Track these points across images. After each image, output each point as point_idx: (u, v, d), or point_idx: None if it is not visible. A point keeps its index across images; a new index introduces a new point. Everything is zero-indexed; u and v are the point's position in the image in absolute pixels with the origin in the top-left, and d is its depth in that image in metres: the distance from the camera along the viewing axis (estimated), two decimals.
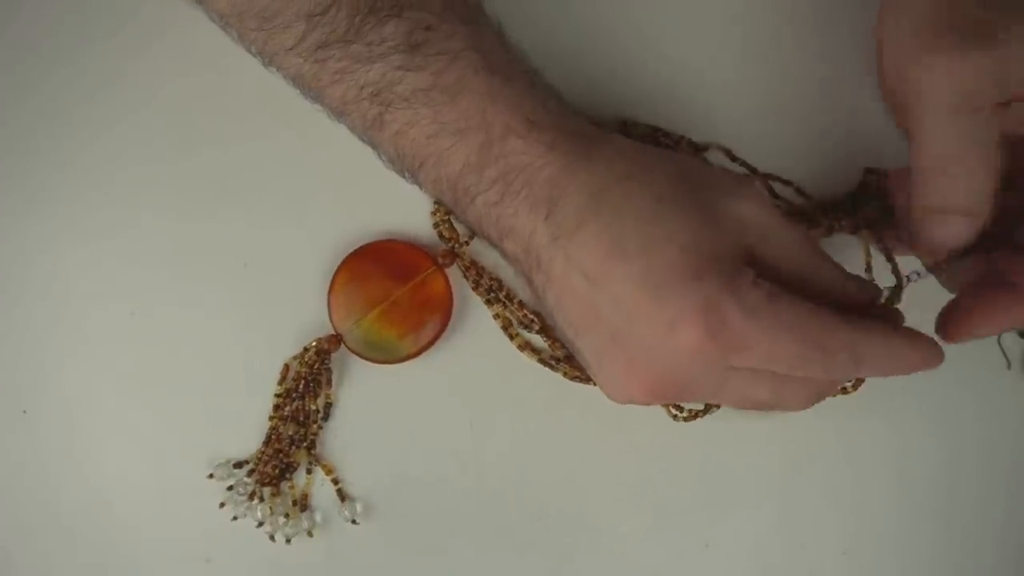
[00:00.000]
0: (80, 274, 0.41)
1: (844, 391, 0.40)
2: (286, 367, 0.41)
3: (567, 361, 0.40)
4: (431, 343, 0.40)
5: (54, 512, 0.41)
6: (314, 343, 0.40)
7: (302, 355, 0.40)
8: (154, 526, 0.41)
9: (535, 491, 0.41)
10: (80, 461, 0.41)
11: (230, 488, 0.40)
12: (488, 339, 0.41)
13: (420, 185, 0.37)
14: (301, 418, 0.41)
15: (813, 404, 0.34)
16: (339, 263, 0.40)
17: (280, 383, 0.41)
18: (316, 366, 0.40)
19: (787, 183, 0.40)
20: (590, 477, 0.41)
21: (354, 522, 0.40)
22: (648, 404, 0.33)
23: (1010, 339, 0.41)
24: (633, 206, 0.32)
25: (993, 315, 0.34)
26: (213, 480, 0.40)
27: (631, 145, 0.34)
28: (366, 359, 0.40)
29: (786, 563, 0.40)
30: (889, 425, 0.41)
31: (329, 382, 0.40)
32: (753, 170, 0.40)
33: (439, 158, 0.34)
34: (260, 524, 0.40)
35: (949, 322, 0.35)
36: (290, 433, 0.40)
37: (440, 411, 0.41)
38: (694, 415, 0.40)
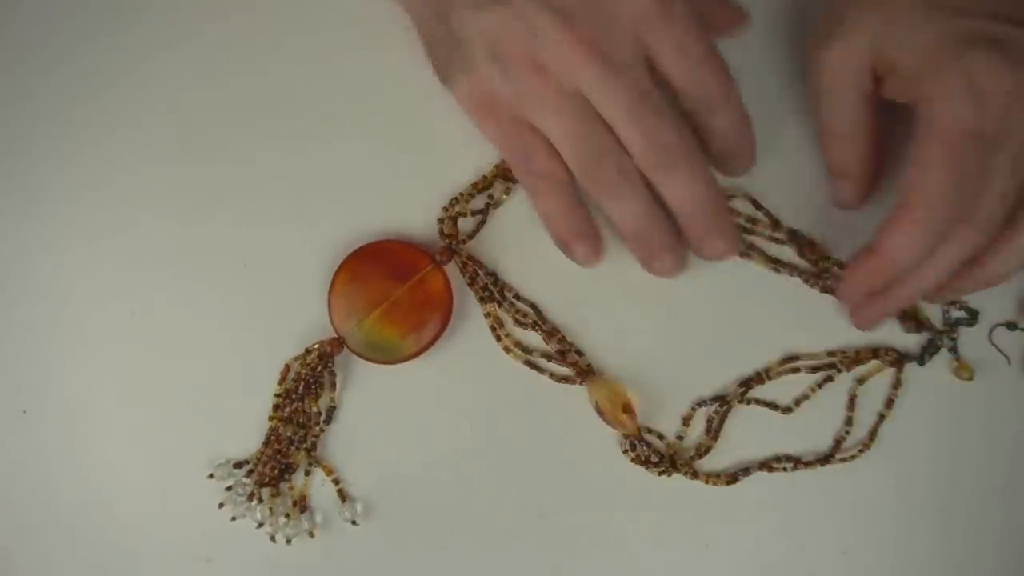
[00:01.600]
0: (80, 274, 0.41)
1: (847, 444, 0.40)
2: (287, 368, 0.41)
3: (560, 357, 0.40)
4: (433, 342, 0.40)
5: (54, 512, 0.41)
6: (316, 346, 0.40)
7: (303, 357, 0.40)
8: (154, 526, 0.41)
9: (535, 491, 0.41)
10: (80, 461, 0.41)
11: (229, 488, 0.40)
12: (488, 338, 0.41)
13: None
14: (300, 420, 0.41)
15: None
16: (338, 265, 0.40)
17: (280, 383, 0.41)
18: (318, 369, 0.40)
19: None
20: (590, 477, 0.41)
21: (354, 523, 0.40)
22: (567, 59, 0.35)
23: (1011, 338, 0.41)
24: None
25: (852, 268, 0.37)
26: (213, 480, 0.40)
27: None
28: (368, 360, 0.40)
29: (786, 563, 0.40)
30: (889, 425, 0.41)
31: (333, 385, 0.40)
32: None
33: None
34: (260, 525, 0.40)
35: (840, 283, 0.39)
36: (289, 434, 0.40)
37: (440, 411, 0.41)
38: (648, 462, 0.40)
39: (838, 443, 0.40)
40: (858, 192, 0.39)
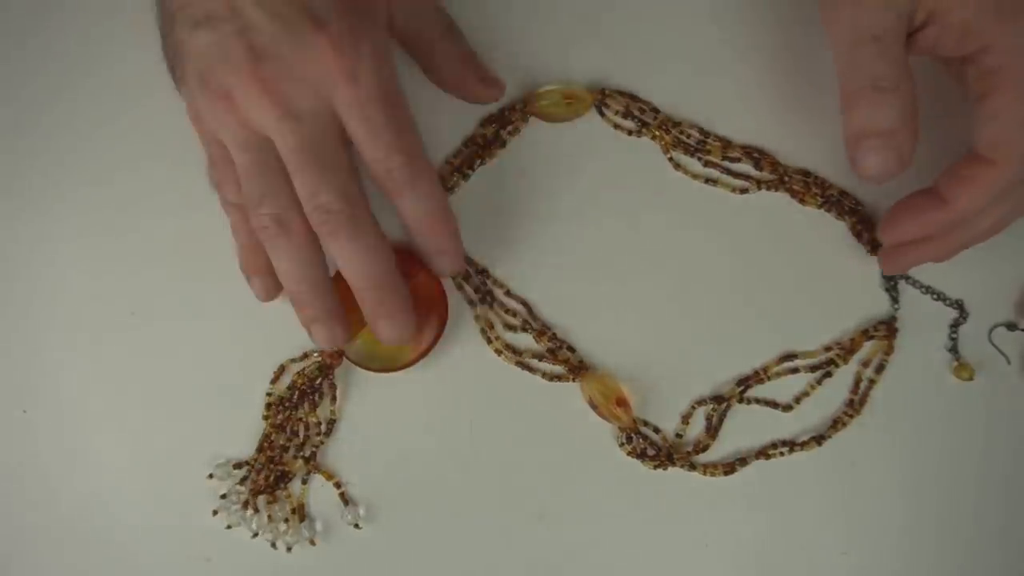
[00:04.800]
0: (80, 274, 0.41)
1: (849, 415, 0.40)
2: (281, 368, 0.40)
3: (550, 355, 0.40)
4: (432, 345, 0.40)
5: (53, 512, 0.41)
6: (316, 355, 0.40)
7: (302, 362, 0.40)
8: (154, 526, 0.41)
9: (535, 491, 0.41)
10: (80, 461, 0.41)
11: (223, 497, 0.40)
12: (479, 342, 0.41)
13: None
14: (294, 427, 0.40)
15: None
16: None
17: (272, 383, 0.40)
18: (318, 381, 0.40)
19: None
20: (589, 476, 0.41)
21: (357, 526, 0.40)
22: (241, 97, 0.35)
23: (1010, 338, 0.41)
24: None
25: (909, 213, 0.37)
26: (213, 480, 0.40)
27: None
28: (369, 370, 0.40)
29: (786, 563, 0.40)
30: (888, 424, 0.40)
31: (333, 398, 0.40)
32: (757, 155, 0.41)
33: None
34: (255, 535, 0.40)
35: (883, 222, 0.38)
36: (282, 442, 0.40)
37: (439, 414, 0.41)
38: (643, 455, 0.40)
39: (835, 423, 0.40)
40: (905, 156, 0.35)
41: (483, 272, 0.41)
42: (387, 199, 0.36)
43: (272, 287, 0.39)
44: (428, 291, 0.40)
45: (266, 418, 0.40)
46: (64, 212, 0.42)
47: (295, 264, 0.36)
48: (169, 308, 0.41)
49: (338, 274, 0.37)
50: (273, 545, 0.40)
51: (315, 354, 0.40)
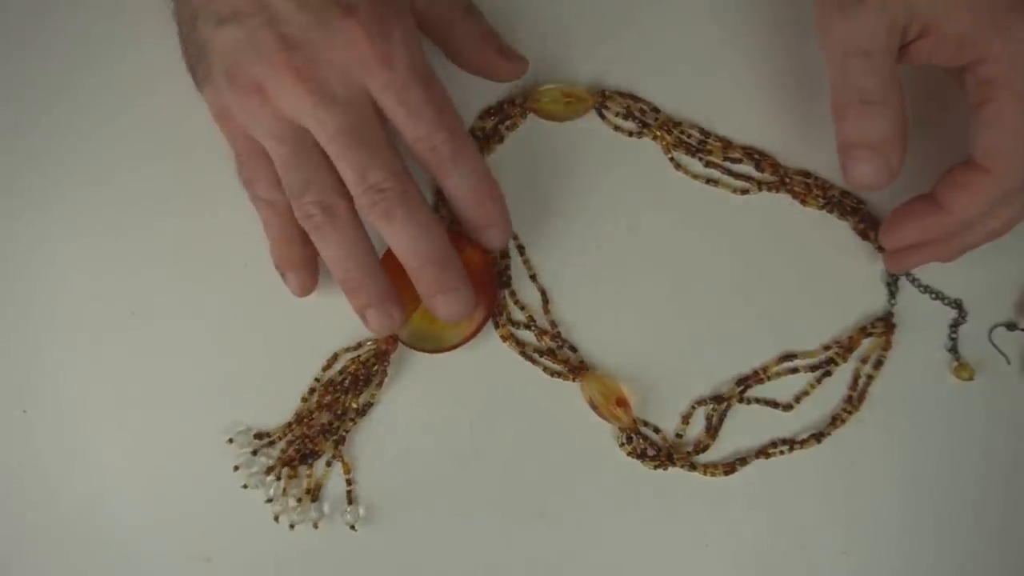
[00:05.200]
0: (80, 274, 0.41)
1: (848, 412, 0.40)
2: (334, 356, 0.40)
3: (549, 355, 0.40)
4: (486, 320, 0.40)
5: (54, 512, 0.41)
6: (371, 344, 0.40)
7: (356, 352, 0.40)
8: (154, 526, 0.41)
9: (535, 491, 0.41)
10: (79, 461, 0.41)
11: (254, 453, 0.40)
12: (484, 341, 0.41)
13: None
14: (339, 411, 0.40)
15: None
16: None
17: (324, 369, 0.40)
18: (374, 367, 0.40)
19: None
20: (590, 477, 0.41)
21: (353, 528, 0.40)
22: (275, 82, 0.35)
23: (1010, 338, 0.41)
24: None
25: (909, 218, 0.37)
26: (233, 445, 0.40)
27: None
28: (422, 351, 0.40)
29: (786, 563, 0.40)
30: (888, 425, 0.40)
31: (380, 383, 0.40)
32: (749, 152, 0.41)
33: None
34: (269, 500, 0.40)
35: (884, 226, 0.39)
36: (324, 421, 0.40)
37: (439, 413, 0.41)
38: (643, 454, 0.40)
39: (834, 419, 0.40)
40: (893, 166, 0.35)
41: (521, 249, 0.41)
42: (433, 177, 0.37)
43: (308, 281, 0.39)
44: (475, 265, 0.39)
45: (305, 400, 0.40)
46: (64, 212, 0.42)
47: (345, 250, 0.36)
48: (169, 308, 0.41)
49: (386, 258, 0.37)
50: (276, 518, 0.40)
51: (369, 343, 0.40)
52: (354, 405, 0.40)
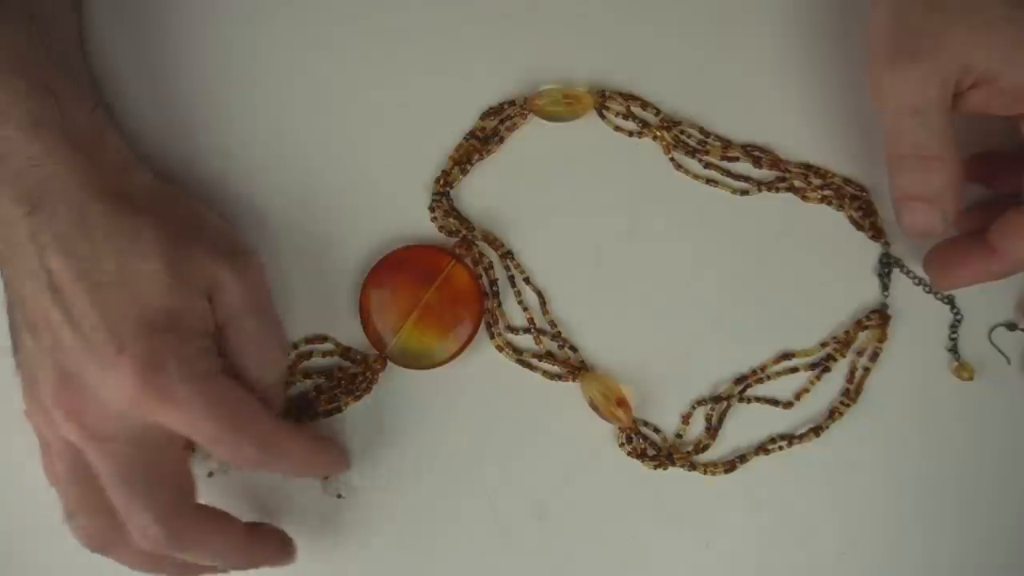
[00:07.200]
0: None
1: (845, 404, 0.40)
2: (324, 337, 0.41)
3: (548, 358, 0.40)
4: (472, 336, 0.40)
5: (54, 512, 0.41)
6: (360, 358, 0.40)
7: (348, 354, 0.41)
8: None
9: (535, 491, 0.41)
10: None
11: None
12: (480, 343, 0.41)
13: None
14: (302, 405, 0.40)
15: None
16: (361, 284, 0.40)
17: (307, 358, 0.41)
18: (365, 384, 0.40)
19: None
20: (590, 477, 0.41)
21: (340, 495, 0.40)
22: (51, 425, 0.35)
23: (1011, 339, 0.41)
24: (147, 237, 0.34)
25: (962, 263, 0.37)
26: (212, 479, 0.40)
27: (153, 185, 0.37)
28: (412, 368, 0.40)
29: (785, 563, 0.40)
30: (887, 425, 0.40)
31: (358, 398, 0.40)
32: (727, 143, 0.41)
33: None
34: (210, 474, 0.40)
35: (927, 261, 0.39)
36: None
37: (438, 413, 0.41)
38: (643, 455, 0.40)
39: (832, 413, 0.40)
40: (949, 216, 0.36)
41: (508, 254, 0.41)
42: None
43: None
44: (460, 283, 0.40)
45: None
46: None
47: (137, 560, 0.37)
48: None
49: (386, 263, 0.39)
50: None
51: (358, 354, 0.41)
52: (322, 410, 0.40)
